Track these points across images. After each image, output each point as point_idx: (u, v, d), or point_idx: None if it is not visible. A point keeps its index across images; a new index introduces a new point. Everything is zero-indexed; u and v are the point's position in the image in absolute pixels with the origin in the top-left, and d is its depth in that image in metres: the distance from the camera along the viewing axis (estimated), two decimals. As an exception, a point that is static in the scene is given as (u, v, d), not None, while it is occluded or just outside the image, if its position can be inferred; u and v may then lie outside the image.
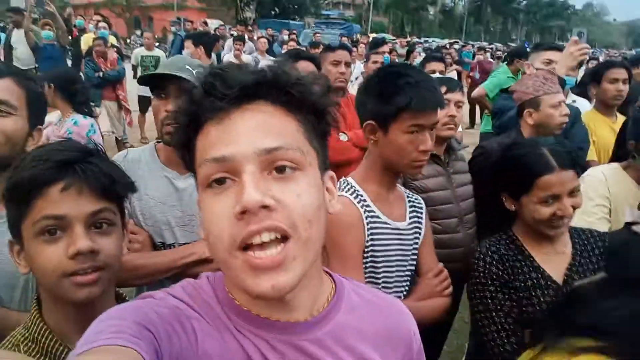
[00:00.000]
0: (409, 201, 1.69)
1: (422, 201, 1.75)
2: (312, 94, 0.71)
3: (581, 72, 4.32)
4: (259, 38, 11.41)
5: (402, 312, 0.88)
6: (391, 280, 1.58)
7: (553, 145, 1.59)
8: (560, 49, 2.95)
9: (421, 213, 1.70)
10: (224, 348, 0.68)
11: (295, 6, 44.66)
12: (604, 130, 3.03)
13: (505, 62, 5.54)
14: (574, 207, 1.53)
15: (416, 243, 1.65)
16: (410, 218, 1.65)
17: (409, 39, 21.20)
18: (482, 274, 1.57)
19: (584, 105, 3.30)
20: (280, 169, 0.66)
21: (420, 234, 1.67)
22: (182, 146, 0.72)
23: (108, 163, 1.04)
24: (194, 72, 1.52)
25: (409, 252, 1.62)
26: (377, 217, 1.54)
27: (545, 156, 1.53)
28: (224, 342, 0.69)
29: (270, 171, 0.66)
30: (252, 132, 0.66)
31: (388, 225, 1.56)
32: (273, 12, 41.80)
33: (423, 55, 8.88)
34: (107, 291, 1.03)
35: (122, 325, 0.61)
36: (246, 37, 10.68)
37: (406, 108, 1.48)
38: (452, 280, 1.72)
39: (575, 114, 2.68)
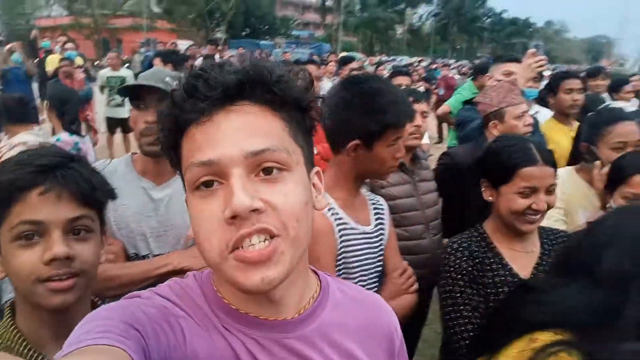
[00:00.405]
0: (372, 204, 1.74)
1: (383, 202, 1.80)
2: (295, 91, 0.70)
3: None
4: (229, 57, 11.43)
5: (383, 307, 0.90)
6: (365, 283, 1.62)
7: (538, 143, 1.66)
8: (518, 60, 3.07)
9: (384, 215, 1.75)
10: (211, 347, 0.69)
11: (266, 27, 45.03)
12: (561, 138, 3.15)
13: (471, 78, 5.69)
14: (548, 206, 1.58)
15: (382, 245, 1.70)
16: (375, 221, 1.70)
17: (378, 57, 21.63)
18: (452, 269, 1.61)
19: (547, 116, 3.43)
20: (267, 171, 0.66)
21: (384, 235, 1.72)
22: (168, 149, 0.72)
23: (89, 169, 1.04)
24: (174, 83, 1.55)
25: (377, 254, 1.67)
26: (346, 223, 1.58)
27: (531, 149, 1.59)
28: (211, 341, 0.69)
29: (258, 173, 0.66)
30: (238, 134, 0.65)
31: (357, 231, 1.60)
32: (244, 33, 42.03)
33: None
34: (83, 298, 1.02)
35: (109, 325, 0.61)
36: (217, 56, 10.70)
37: (393, 126, 1.54)
38: (419, 287, 1.77)
39: (534, 123, 2.79)
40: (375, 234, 1.67)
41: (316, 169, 0.77)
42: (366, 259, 1.62)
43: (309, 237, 0.70)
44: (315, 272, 0.84)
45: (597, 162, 2.00)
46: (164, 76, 1.56)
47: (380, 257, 1.69)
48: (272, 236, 0.64)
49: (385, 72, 8.59)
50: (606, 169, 1.91)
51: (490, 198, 1.66)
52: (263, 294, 0.69)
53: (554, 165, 1.61)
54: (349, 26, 50.69)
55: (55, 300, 0.95)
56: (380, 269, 1.70)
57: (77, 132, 3.74)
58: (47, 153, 1.01)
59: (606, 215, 1.09)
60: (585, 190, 2.10)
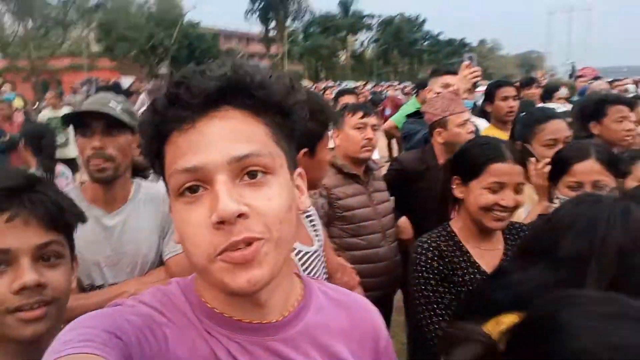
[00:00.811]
0: (306, 216, 1.73)
1: (312, 209, 1.80)
2: (277, 95, 0.70)
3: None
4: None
5: (367, 308, 0.90)
6: None
7: (508, 143, 1.74)
8: (455, 72, 3.23)
9: (316, 221, 1.76)
10: (193, 353, 0.69)
11: (211, 59, 45.00)
12: (501, 144, 3.31)
13: (415, 95, 5.91)
14: (517, 205, 1.63)
15: (322, 251, 1.72)
16: (314, 233, 1.71)
17: (325, 83, 22.07)
18: (424, 268, 1.63)
19: (483, 125, 3.60)
20: (252, 174, 0.66)
21: (322, 240, 1.73)
22: (151, 157, 0.72)
23: (56, 192, 1.00)
24: (118, 107, 1.54)
25: (323, 262, 1.70)
26: (300, 250, 1.58)
27: (501, 147, 1.65)
28: (194, 347, 0.69)
29: (242, 177, 0.66)
30: (222, 140, 0.66)
31: (309, 252, 1.61)
32: (188, 67, 41.82)
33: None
34: (55, 327, 0.97)
35: (90, 334, 0.60)
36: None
37: (333, 123, 1.60)
38: (378, 297, 1.83)
39: (475, 131, 2.94)
40: (320, 248, 1.69)
41: (299, 170, 0.78)
42: (318, 270, 1.64)
43: (292, 239, 0.71)
44: (299, 276, 0.85)
45: (532, 159, 2.12)
46: (107, 101, 1.56)
47: (324, 262, 1.72)
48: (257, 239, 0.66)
49: (332, 96, 8.77)
50: (541, 165, 2.02)
51: (460, 195, 1.70)
52: (249, 296, 0.69)
53: (523, 164, 1.68)
54: (294, 55, 51.53)
55: (26, 331, 0.91)
56: (326, 275, 1.73)
57: (49, 170, 3.57)
58: (11, 176, 0.96)
59: (563, 204, 1.17)
60: (524, 188, 2.20)
